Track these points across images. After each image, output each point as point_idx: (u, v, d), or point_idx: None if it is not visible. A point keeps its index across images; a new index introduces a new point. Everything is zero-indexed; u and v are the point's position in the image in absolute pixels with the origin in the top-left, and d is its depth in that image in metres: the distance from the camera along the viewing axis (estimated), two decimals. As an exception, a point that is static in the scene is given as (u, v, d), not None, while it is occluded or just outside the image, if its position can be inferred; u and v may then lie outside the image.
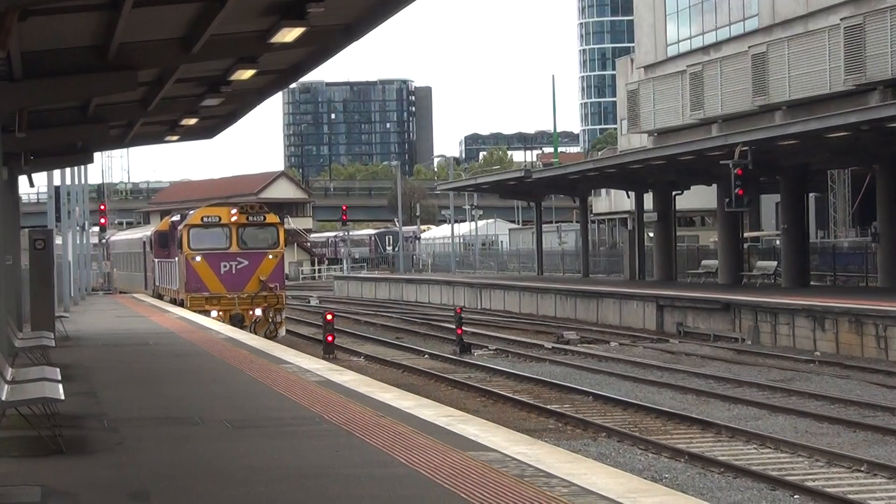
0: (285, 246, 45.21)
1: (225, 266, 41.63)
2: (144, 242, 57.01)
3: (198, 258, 41.73)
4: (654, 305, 46.24)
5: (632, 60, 79.21)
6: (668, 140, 60.68)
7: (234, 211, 42.10)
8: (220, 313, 40.84)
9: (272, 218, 42.97)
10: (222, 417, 15.38)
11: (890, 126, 38.58)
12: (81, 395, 17.78)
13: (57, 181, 47.32)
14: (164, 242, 48.74)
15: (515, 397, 27.30)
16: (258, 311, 41.54)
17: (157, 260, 51.46)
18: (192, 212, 44.64)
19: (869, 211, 54.10)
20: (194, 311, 39.97)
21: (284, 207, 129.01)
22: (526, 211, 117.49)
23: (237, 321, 39.99)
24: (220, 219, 41.97)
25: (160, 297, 50.42)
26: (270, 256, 42.06)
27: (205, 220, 42.18)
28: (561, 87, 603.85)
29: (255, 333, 36.02)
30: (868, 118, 38.22)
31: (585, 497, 10.15)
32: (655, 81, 66.04)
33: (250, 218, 42.02)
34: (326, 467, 11.97)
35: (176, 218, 47.30)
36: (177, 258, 44.19)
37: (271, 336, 39.05)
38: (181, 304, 42.87)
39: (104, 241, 73.99)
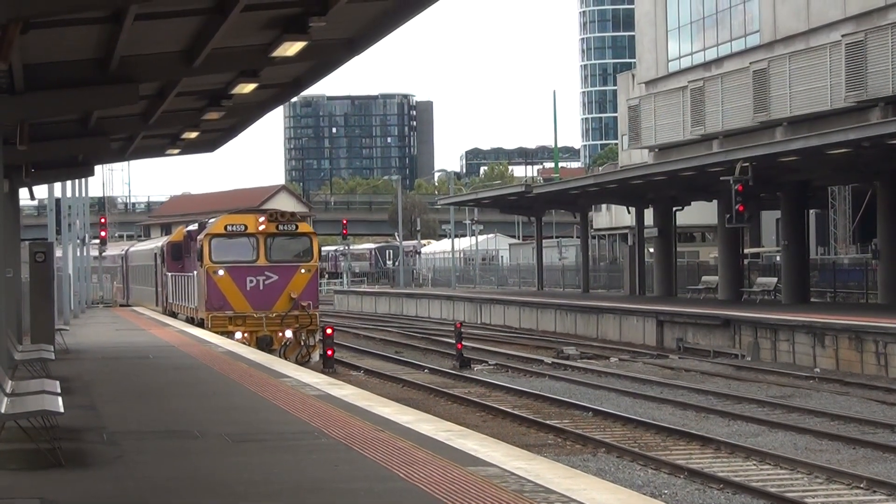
0: (319, 258, 40.45)
1: (251, 281, 36.75)
2: (156, 254, 52.19)
3: (220, 272, 36.75)
4: (654, 321, 46.23)
5: (633, 76, 79.31)
6: (668, 156, 60.72)
7: (262, 219, 37.22)
8: (246, 335, 36.21)
9: (305, 227, 38.00)
10: (222, 431, 15.36)
11: (891, 143, 38.59)
12: (81, 409, 17.76)
13: (58, 194, 47.18)
14: (179, 254, 44.67)
15: (515, 412, 27.25)
16: (288, 333, 36.73)
17: (170, 274, 46.63)
18: (212, 220, 39.90)
19: (869, 227, 54.13)
20: (216, 332, 35.57)
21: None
22: (526, 226, 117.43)
23: (265, 344, 35.61)
24: (246, 227, 37.05)
25: (173, 314, 46.05)
26: (303, 271, 37.11)
27: (229, 228, 37.17)
28: (562, 103, 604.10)
29: (286, 358, 32.62)
30: (869, 135, 38.24)
31: (585, 513, 10.14)
32: (656, 97, 66.08)
33: (280, 227, 37.07)
34: (326, 482, 11.96)
35: (193, 227, 42.78)
36: (195, 272, 39.53)
37: (303, 361, 34.96)
38: (200, 324, 38.36)
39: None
